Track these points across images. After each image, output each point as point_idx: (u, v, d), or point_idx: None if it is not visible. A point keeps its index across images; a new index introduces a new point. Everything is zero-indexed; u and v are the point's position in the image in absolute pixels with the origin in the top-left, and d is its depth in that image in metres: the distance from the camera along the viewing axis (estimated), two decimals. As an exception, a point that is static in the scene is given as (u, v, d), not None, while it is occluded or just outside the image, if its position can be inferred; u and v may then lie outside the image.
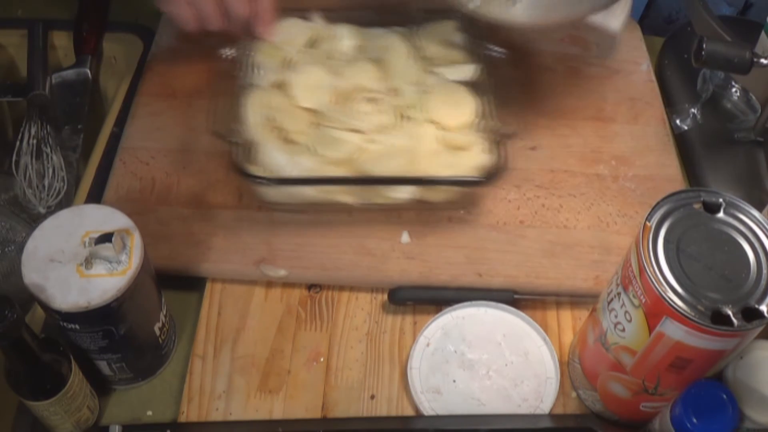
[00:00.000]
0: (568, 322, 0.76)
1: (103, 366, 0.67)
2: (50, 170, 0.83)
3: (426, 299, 0.76)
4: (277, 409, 0.70)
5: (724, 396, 0.59)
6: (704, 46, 0.75)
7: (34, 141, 0.85)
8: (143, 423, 0.69)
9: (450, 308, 0.74)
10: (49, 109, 0.89)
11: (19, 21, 0.99)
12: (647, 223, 0.58)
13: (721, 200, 0.59)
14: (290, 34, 0.85)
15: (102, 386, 0.69)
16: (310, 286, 0.77)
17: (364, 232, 0.78)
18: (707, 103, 0.93)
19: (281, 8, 0.85)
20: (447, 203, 0.79)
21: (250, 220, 0.79)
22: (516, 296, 0.75)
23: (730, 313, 0.54)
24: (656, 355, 0.59)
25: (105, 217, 0.63)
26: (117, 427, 0.66)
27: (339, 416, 0.70)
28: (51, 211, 0.81)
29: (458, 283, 0.76)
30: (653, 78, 0.96)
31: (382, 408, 0.70)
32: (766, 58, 0.76)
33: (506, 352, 0.73)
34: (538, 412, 0.69)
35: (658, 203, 0.59)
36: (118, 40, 0.98)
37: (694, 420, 0.58)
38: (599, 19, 0.78)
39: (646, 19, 1.11)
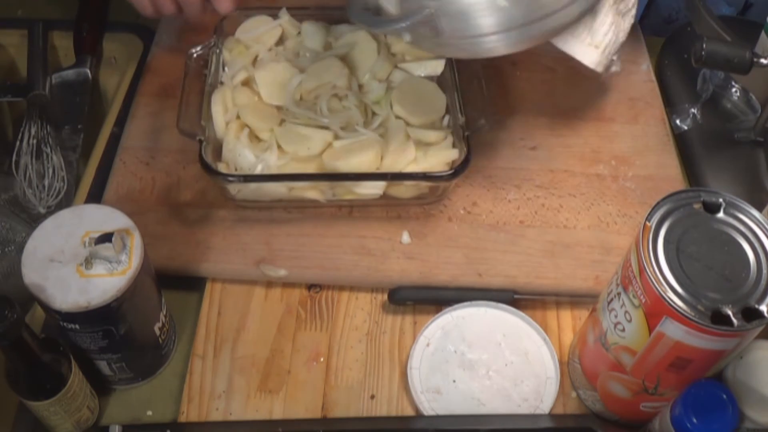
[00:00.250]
0: (568, 322, 0.76)
1: (103, 366, 0.67)
2: (50, 170, 0.83)
3: (426, 299, 0.76)
4: (277, 409, 0.70)
5: (724, 396, 0.59)
6: (704, 46, 0.75)
7: (34, 141, 0.85)
8: (143, 423, 0.69)
9: (450, 308, 0.74)
10: (49, 109, 0.89)
11: (19, 21, 0.99)
12: (647, 223, 0.58)
13: (721, 200, 0.59)
14: (258, 31, 0.86)
15: (102, 386, 0.69)
16: (310, 286, 0.77)
17: (364, 232, 0.78)
18: (707, 103, 0.93)
19: (249, 6, 0.87)
20: (416, 198, 0.80)
21: (250, 220, 0.79)
22: (516, 296, 0.75)
23: (730, 313, 0.54)
24: (656, 355, 0.59)
25: (105, 217, 0.63)
26: (117, 427, 0.66)
27: (339, 416, 0.70)
28: (51, 211, 0.81)
29: (458, 283, 0.76)
30: (653, 78, 0.96)
31: (382, 408, 0.70)
32: (766, 58, 0.76)
33: (506, 352, 0.73)
34: (538, 412, 0.69)
35: (658, 203, 0.59)
36: (118, 40, 0.98)
37: (694, 420, 0.58)
38: (567, 48, 0.78)
39: (646, 19, 1.11)
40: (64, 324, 0.61)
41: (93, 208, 0.64)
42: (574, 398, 0.71)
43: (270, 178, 0.76)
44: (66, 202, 0.83)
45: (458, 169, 0.75)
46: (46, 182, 0.83)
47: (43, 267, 0.60)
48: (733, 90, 0.93)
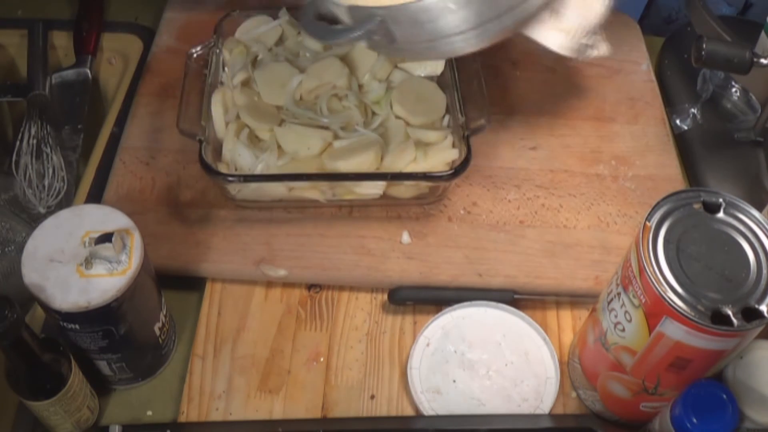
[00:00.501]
0: (568, 322, 0.76)
1: (103, 366, 0.67)
2: (50, 170, 0.83)
3: (426, 299, 0.76)
4: (277, 409, 0.70)
5: (724, 396, 0.59)
6: (704, 46, 0.75)
7: (34, 141, 0.85)
8: (143, 423, 0.69)
9: (450, 308, 0.74)
10: (49, 109, 0.89)
11: (19, 21, 0.99)
12: (647, 223, 0.58)
13: (721, 200, 0.59)
14: (258, 31, 0.86)
15: (102, 386, 0.69)
16: (310, 286, 0.77)
17: (364, 232, 0.78)
18: (707, 103, 0.93)
19: (249, 6, 0.87)
20: (416, 198, 0.80)
21: (250, 220, 0.79)
22: (516, 296, 0.75)
23: (730, 313, 0.54)
24: (656, 355, 0.59)
25: (105, 217, 0.63)
26: (117, 427, 0.66)
27: (339, 416, 0.70)
28: (51, 211, 0.81)
29: (458, 283, 0.76)
30: (653, 78, 0.96)
31: (382, 408, 0.70)
32: (766, 58, 0.76)
33: (506, 352, 0.73)
34: (538, 412, 0.69)
35: (658, 203, 0.59)
36: (118, 40, 0.98)
37: (694, 420, 0.58)
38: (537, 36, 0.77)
39: (646, 19, 1.11)
40: (64, 324, 0.61)
41: (93, 208, 0.64)
42: (574, 398, 0.71)
43: (270, 178, 0.76)
44: (66, 202, 0.83)
45: (458, 169, 0.74)
46: (46, 182, 0.83)
47: (43, 267, 0.60)
48: (733, 90, 0.93)
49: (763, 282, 0.56)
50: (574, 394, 0.72)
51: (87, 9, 0.98)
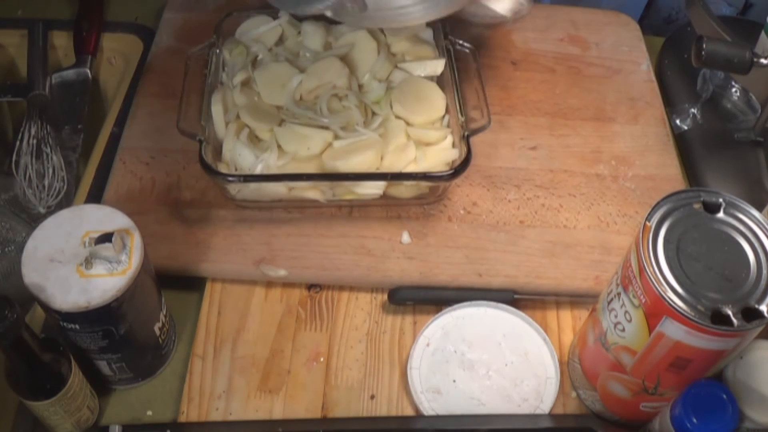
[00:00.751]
0: (568, 322, 0.76)
1: (103, 366, 0.67)
2: (50, 170, 0.83)
3: (426, 299, 0.76)
4: (277, 409, 0.70)
5: (724, 396, 0.59)
6: (704, 46, 0.75)
7: (34, 141, 0.85)
8: (143, 423, 0.69)
9: (450, 308, 0.74)
10: (49, 109, 0.89)
11: (19, 21, 0.99)
12: (647, 223, 0.58)
13: (721, 200, 0.59)
14: (258, 31, 0.86)
15: (102, 386, 0.69)
16: (310, 286, 0.77)
17: (364, 232, 0.78)
18: (707, 103, 0.93)
19: (249, 6, 0.87)
20: (416, 198, 0.80)
21: (250, 220, 0.79)
22: (516, 296, 0.75)
23: (730, 313, 0.54)
24: (656, 355, 0.59)
25: (105, 217, 0.63)
26: (117, 427, 0.66)
27: (339, 416, 0.70)
28: (51, 211, 0.81)
29: (458, 283, 0.76)
30: (653, 78, 0.96)
31: (382, 408, 0.70)
32: (766, 58, 0.76)
33: (506, 352, 0.73)
34: (538, 412, 0.69)
35: (658, 203, 0.59)
36: (118, 40, 0.98)
37: (694, 420, 0.58)
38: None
39: (646, 19, 1.11)
40: (64, 324, 0.61)
41: (93, 208, 0.64)
42: (574, 398, 0.71)
43: (270, 178, 0.76)
44: (66, 202, 0.83)
45: (458, 169, 0.74)
46: (46, 182, 0.83)
47: (43, 267, 0.60)
48: (733, 90, 0.93)
49: (763, 282, 0.56)
50: (574, 394, 0.72)
51: (87, 9, 0.98)
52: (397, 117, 0.81)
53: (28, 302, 0.69)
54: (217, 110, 0.79)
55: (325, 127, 0.79)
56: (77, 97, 0.91)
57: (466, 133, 0.76)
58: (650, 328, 0.57)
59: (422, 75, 0.84)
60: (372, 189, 0.77)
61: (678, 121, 0.93)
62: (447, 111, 0.82)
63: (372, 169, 0.77)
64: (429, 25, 0.87)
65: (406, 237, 0.78)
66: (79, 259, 0.60)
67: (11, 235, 0.78)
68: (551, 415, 0.70)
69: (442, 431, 0.68)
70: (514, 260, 0.77)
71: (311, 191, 0.77)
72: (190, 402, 0.69)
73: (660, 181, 0.85)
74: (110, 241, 0.59)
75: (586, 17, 1.01)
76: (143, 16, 1.01)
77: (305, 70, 0.82)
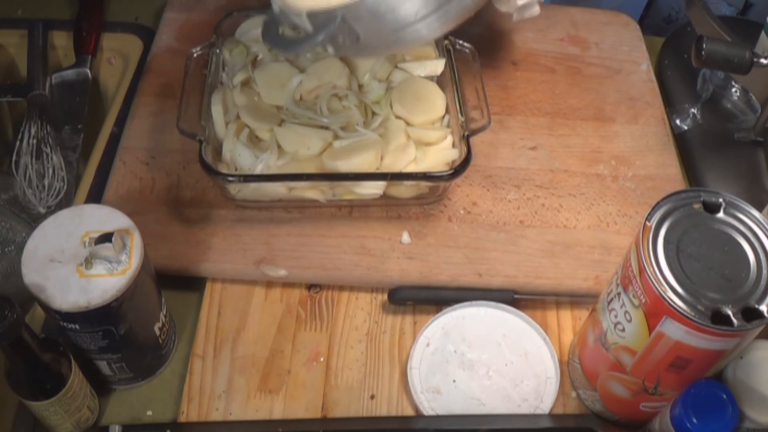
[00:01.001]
0: (568, 322, 0.76)
1: (103, 366, 0.67)
2: (50, 170, 0.83)
3: (426, 299, 0.76)
4: (277, 409, 0.70)
5: (724, 396, 0.59)
6: (704, 46, 0.75)
7: (34, 141, 0.85)
8: (143, 423, 0.69)
9: (450, 308, 0.74)
10: (49, 109, 0.89)
11: (19, 21, 0.99)
12: (647, 223, 0.58)
13: (721, 200, 0.59)
14: (258, 31, 0.86)
15: (102, 386, 0.69)
16: (310, 286, 0.77)
17: (364, 232, 0.78)
18: (707, 103, 0.93)
19: (249, 6, 0.87)
20: (416, 198, 0.80)
21: (250, 220, 0.79)
22: (516, 296, 0.75)
23: (730, 313, 0.54)
24: (656, 355, 0.59)
25: (105, 217, 0.63)
26: (117, 427, 0.66)
27: (339, 416, 0.70)
28: (51, 211, 0.81)
29: (458, 283, 0.76)
30: (653, 78, 0.96)
31: (382, 408, 0.70)
32: (766, 58, 0.76)
33: (506, 352, 0.73)
34: (538, 412, 0.69)
35: (658, 203, 0.59)
36: (118, 40, 0.98)
37: (694, 420, 0.58)
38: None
39: (646, 19, 1.11)
40: (64, 324, 0.61)
41: (93, 208, 0.64)
42: (574, 398, 0.71)
43: (270, 178, 0.76)
44: (66, 202, 0.83)
45: (458, 169, 0.74)
46: (46, 182, 0.83)
47: (43, 267, 0.60)
48: (733, 90, 0.93)
49: (763, 282, 0.56)
50: (574, 394, 0.72)
51: (87, 9, 0.98)
52: (397, 117, 0.81)
53: (28, 302, 0.69)
54: (217, 110, 0.79)
55: (325, 127, 0.79)
56: (77, 97, 0.91)
57: (466, 133, 0.76)
58: (650, 328, 0.57)
59: (422, 75, 0.84)
60: (372, 189, 0.77)
61: (678, 121, 0.93)
62: (447, 111, 0.82)
63: (372, 169, 0.77)
64: None
65: (406, 237, 0.78)
66: (79, 259, 0.60)
67: (11, 235, 0.78)
68: (551, 415, 0.70)
69: (442, 431, 0.68)
70: (514, 260, 0.77)
71: (311, 191, 0.77)
72: (190, 402, 0.69)
73: (660, 181, 0.85)
74: (110, 241, 0.59)
75: (586, 17, 1.01)
76: (143, 16, 1.01)
77: (305, 70, 0.82)
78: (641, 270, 0.56)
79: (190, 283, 0.77)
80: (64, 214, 0.63)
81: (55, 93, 0.91)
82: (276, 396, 0.70)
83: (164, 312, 0.70)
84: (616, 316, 0.61)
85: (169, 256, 0.76)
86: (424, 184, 0.78)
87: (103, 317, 0.61)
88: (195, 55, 0.81)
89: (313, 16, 0.64)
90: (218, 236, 0.77)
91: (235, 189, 0.77)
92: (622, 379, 0.64)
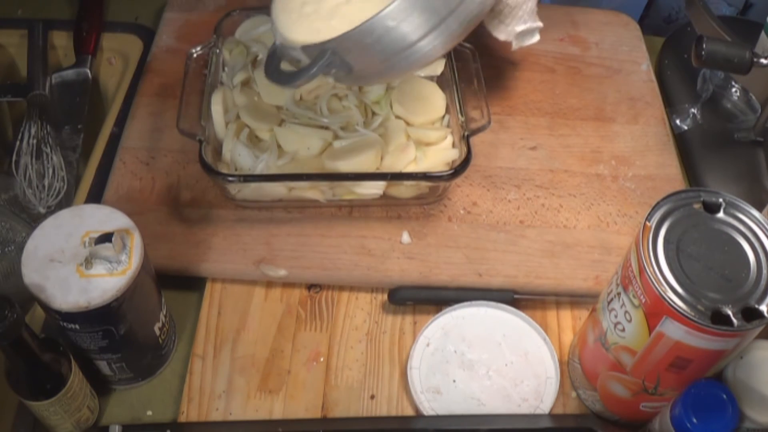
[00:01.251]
0: (568, 322, 0.76)
1: (103, 366, 0.67)
2: (50, 170, 0.83)
3: (426, 299, 0.76)
4: (277, 409, 0.70)
5: (724, 396, 0.59)
6: (704, 46, 0.75)
7: (34, 141, 0.85)
8: (143, 423, 0.69)
9: (450, 308, 0.74)
10: (49, 109, 0.89)
11: (19, 21, 0.99)
12: (647, 223, 0.58)
13: (721, 200, 0.59)
14: (258, 31, 0.86)
15: (102, 386, 0.69)
16: (310, 286, 0.77)
17: (364, 232, 0.78)
18: (707, 103, 0.93)
19: (249, 6, 0.87)
20: (416, 198, 0.80)
21: (250, 220, 0.79)
22: (516, 296, 0.75)
23: (730, 313, 0.54)
24: (656, 355, 0.59)
25: (105, 217, 0.63)
26: (117, 427, 0.66)
27: (339, 416, 0.70)
28: (51, 211, 0.81)
29: (458, 283, 0.76)
30: (653, 78, 0.96)
31: (382, 408, 0.70)
32: (766, 58, 0.76)
33: (506, 352, 0.73)
34: (538, 412, 0.69)
35: (658, 203, 0.59)
36: (118, 40, 0.98)
37: (694, 420, 0.58)
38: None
39: (646, 19, 1.11)
40: (64, 324, 0.61)
41: (93, 208, 0.64)
42: (574, 398, 0.71)
43: (270, 178, 0.76)
44: (66, 202, 0.83)
45: (458, 169, 0.75)
46: (46, 182, 0.83)
47: (43, 267, 0.60)
48: (733, 90, 0.93)
49: (763, 282, 0.56)
50: (574, 394, 0.72)
51: (87, 9, 0.98)
52: (397, 117, 0.81)
53: (28, 302, 0.69)
54: (217, 110, 0.79)
55: (325, 127, 0.79)
56: (77, 97, 0.91)
57: (466, 133, 0.76)
58: (650, 328, 0.57)
59: (422, 75, 0.84)
60: (372, 189, 0.77)
61: (678, 121, 0.93)
62: (447, 111, 0.82)
63: (372, 169, 0.77)
64: None
65: (406, 237, 0.78)
66: (79, 259, 0.60)
67: (11, 235, 0.78)
68: (551, 415, 0.70)
69: (442, 431, 0.68)
70: (514, 260, 0.77)
71: (311, 191, 0.77)
72: (190, 402, 0.69)
73: (660, 181, 0.85)
74: (110, 241, 0.59)
75: (586, 17, 1.01)
76: (143, 16, 1.01)
77: None
78: (641, 270, 0.56)
79: (190, 283, 0.77)
80: (64, 214, 0.63)
81: (55, 93, 0.91)
82: (276, 396, 0.70)
83: (164, 312, 0.70)
84: (616, 316, 0.61)
85: (169, 256, 0.76)
86: (424, 184, 0.78)
87: (103, 317, 0.61)
88: (195, 55, 0.81)
89: (307, 49, 0.65)
90: (218, 236, 0.77)
91: (235, 189, 0.77)
92: (622, 379, 0.64)
